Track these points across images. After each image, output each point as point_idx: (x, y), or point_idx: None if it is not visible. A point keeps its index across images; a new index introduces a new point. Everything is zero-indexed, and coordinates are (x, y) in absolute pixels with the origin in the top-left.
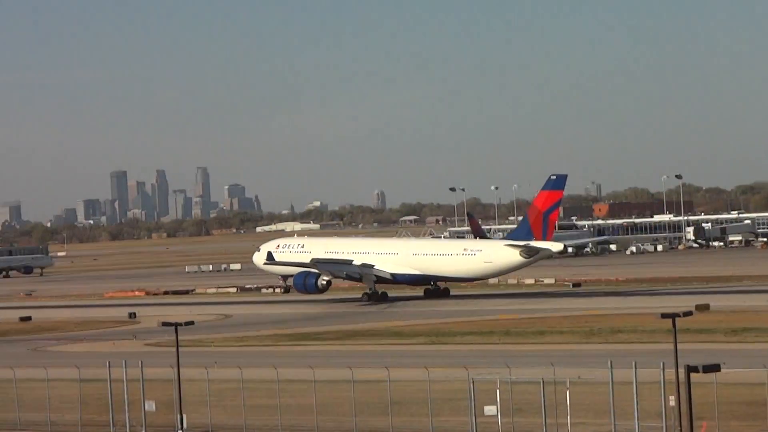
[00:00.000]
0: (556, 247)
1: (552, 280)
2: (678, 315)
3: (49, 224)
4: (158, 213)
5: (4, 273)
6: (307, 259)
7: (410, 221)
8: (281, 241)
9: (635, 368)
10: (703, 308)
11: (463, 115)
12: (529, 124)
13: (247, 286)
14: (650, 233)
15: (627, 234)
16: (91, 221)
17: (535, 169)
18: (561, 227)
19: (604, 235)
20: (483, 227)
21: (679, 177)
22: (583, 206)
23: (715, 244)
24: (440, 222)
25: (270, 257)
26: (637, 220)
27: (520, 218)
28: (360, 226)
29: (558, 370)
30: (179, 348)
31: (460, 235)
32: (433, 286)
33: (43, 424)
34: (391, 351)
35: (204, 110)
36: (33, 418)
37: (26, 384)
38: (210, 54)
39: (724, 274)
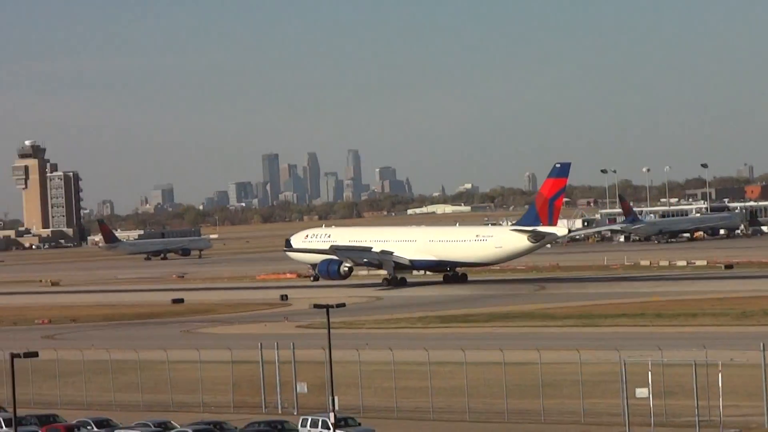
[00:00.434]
0: (561, 231)
1: (704, 262)
2: None
3: (201, 207)
4: (309, 196)
5: (161, 255)
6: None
7: None
8: (310, 231)
9: None
10: None
11: (614, 96)
12: (682, 106)
13: None
14: None
15: None
16: (243, 204)
17: (686, 150)
18: (713, 209)
19: (757, 217)
20: (634, 209)
21: None
22: (735, 188)
23: None
24: (591, 204)
25: (287, 244)
26: None
27: (673, 200)
28: (511, 208)
29: (710, 353)
30: (330, 330)
31: (611, 218)
32: (452, 272)
33: (196, 406)
34: (542, 333)
35: (355, 92)
36: (186, 399)
37: (179, 366)
38: (362, 36)
39: None
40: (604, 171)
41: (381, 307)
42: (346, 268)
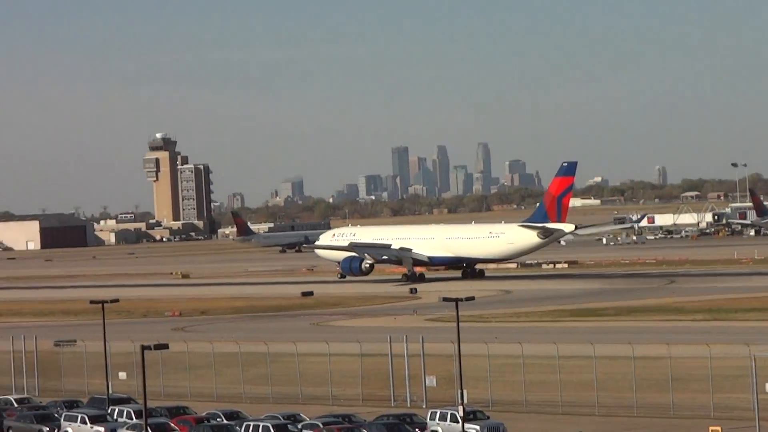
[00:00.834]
0: (568, 228)
1: None
2: None
3: (331, 200)
4: (439, 189)
5: (296, 248)
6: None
7: (691, 197)
8: (337, 230)
9: None
10: None
11: (746, 89)
12: None
13: (528, 262)
14: None
15: None
16: (373, 197)
17: None
18: None
19: None
20: (766, 203)
21: None
22: None
23: None
24: (722, 198)
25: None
26: None
27: None
28: (641, 201)
29: None
30: (460, 323)
31: (741, 212)
32: (469, 268)
33: (325, 398)
34: (671, 327)
35: (485, 85)
36: (315, 391)
37: (309, 358)
38: (492, 30)
39: None
40: (734, 164)
41: (510, 300)
42: (367, 265)
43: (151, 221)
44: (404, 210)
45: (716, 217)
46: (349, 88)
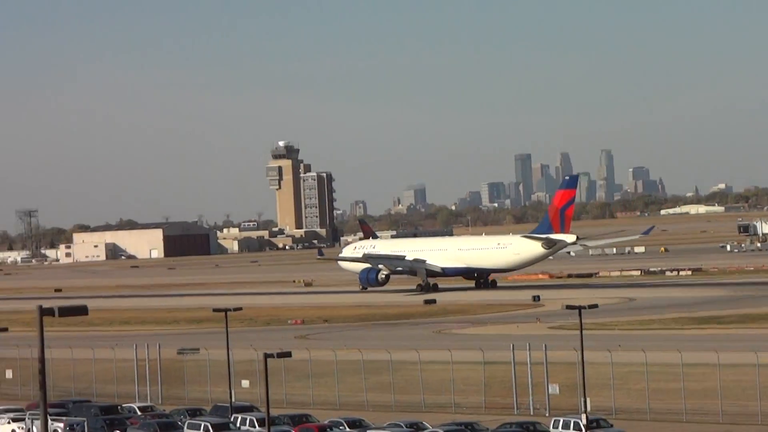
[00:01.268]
0: (570, 238)
1: None
2: None
3: (453, 207)
4: None
5: None
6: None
7: None
8: (358, 243)
9: None
10: None
11: None
12: None
13: (651, 269)
14: None
15: None
16: (496, 204)
17: None
18: None
19: None
20: None
21: None
22: None
23: None
24: None
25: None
26: None
27: None
28: (765, 208)
29: None
30: (583, 331)
31: None
32: (483, 279)
33: (448, 406)
34: None
35: (608, 93)
36: (437, 399)
37: (431, 366)
38: (612, 38)
39: None
40: None
41: (633, 308)
42: (383, 276)
43: (273, 229)
44: (527, 217)
45: None
46: (472, 96)
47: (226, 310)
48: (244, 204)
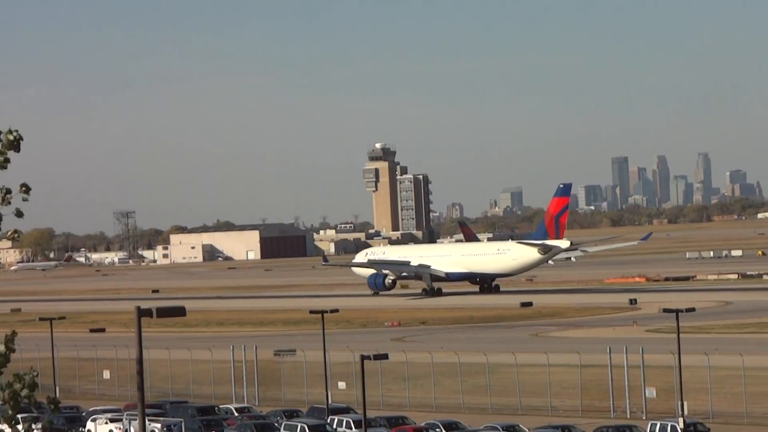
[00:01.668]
0: (564, 244)
1: None
2: None
3: None
4: (659, 199)
5: None
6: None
7: None
8: (370, 249)
9: None
10: None
11: None
12: None
13: (749, 273)
14: None
15: None
16: (592, 207)
17: None
18: None
19: None
20: None
21: None
22: None
23: None
24: None
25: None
26: None
27: None
28: None
29: None
30: (680, 334)
31: None
32: (486, 284)
33: (544, 409)
34: None
35: (705, 95)
36: (534, 402)
37: (527, 369)
38: (720, 41)
39: None
40: None
41: (731, 311)
42: (390, 281)
43: (370, 231)
44: (623, 220)
45: None
46: (568, 98)
47: (322, 312)
48: (340, 206)
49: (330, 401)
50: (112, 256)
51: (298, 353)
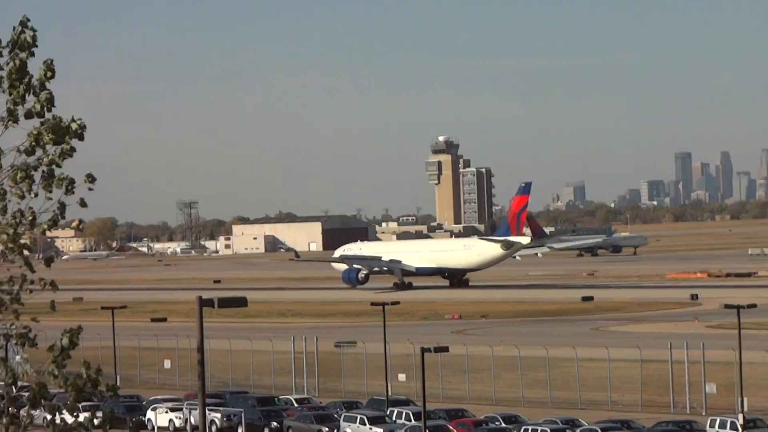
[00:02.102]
0: (525, 240)
1: None
2: None
3: (612, 204)
4: (722, 195)
5: (593, 251)
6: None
7: None
8: (346, 246)
9: None
10: None
11: None
12: None
13: None
14: None
15: None
16: (655, 202)
17: None
18: None
19: None
20: None
21: None
22: None
23: None
24: None
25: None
26: None
27: None
28: None
29: None
30: (741, 330)
31: None
32: (456, 278)
33: (604, 404)
34: None
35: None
36: (594, 397)
37: (588, 363)
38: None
39: None
40: None
41: None
42: (363, 275)
43: (432, 224)
44: (686, 216)
45: None
46: (631, 94)
47: (383, 304)
48: (402, 198)
49: (390, 393)
50: (174, 246)
51: (359, 345)
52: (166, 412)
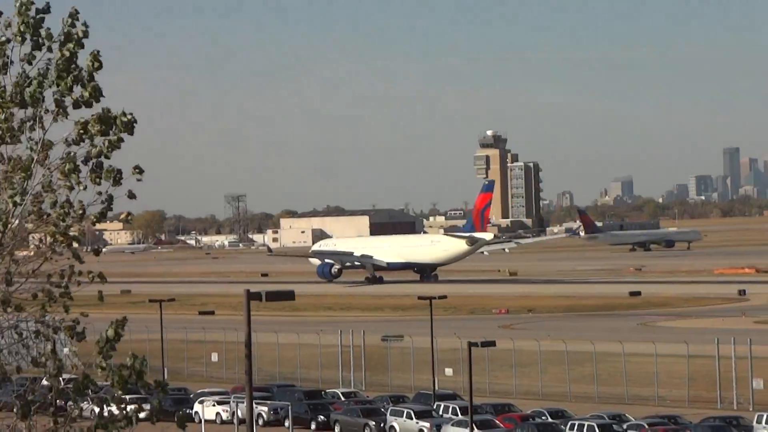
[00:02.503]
0: (488, 236)
1: None
2: None
3: (660, 200)
4: None
5: (644, 246)
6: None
7: None
8: (322, 242)
9: None
10: None
11: None
12: None
13: None
14: None
15: None
16: (703, 197)
17: None
18: None
19: None
20: None
21: None
22: None
23: None
24: None
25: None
26: None
27: None
28: None
29: None
30: None
31: None
32: (425, 273)
33: (651, 399)
34: None
35: None
36: (641, 392)
37: (635, 358)
38: None
39: None
40: None
41: None
42: (336, 270)
43: None
44: (734, 211)
45: None
46: (680, 88)
47: (430, 298)
48: (450, 193)
49: (437, 387)
50: (222, 240)
51: (406, 339)
52: (214, 405)
